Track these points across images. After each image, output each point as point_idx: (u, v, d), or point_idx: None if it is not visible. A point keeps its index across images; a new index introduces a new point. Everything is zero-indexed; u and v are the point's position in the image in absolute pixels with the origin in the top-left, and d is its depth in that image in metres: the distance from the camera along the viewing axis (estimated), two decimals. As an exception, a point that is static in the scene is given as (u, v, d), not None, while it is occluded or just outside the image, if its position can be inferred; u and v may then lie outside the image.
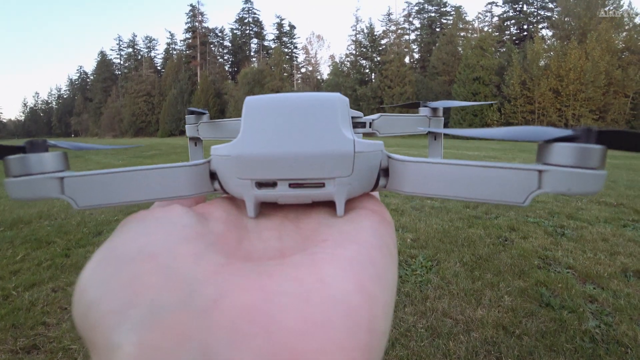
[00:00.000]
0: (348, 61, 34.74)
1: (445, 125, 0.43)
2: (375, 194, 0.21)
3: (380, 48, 34.23)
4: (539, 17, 35.53)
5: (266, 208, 0.18)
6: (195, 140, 0.36)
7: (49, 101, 73.73)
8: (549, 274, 1.91)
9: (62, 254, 2.19)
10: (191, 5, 49.09)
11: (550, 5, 33.52)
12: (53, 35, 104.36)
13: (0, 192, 4.34)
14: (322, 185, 0.16)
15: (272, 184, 0.16)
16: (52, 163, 0.16)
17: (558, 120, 22.90)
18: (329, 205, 0.18)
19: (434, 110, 0.34)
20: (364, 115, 0.33)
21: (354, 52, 34.85)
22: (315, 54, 46.85)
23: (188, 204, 0.18)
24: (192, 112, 0.36)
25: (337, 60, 37.42)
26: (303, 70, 47.70)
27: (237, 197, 0.17)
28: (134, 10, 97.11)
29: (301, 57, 48.46)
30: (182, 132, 42.32)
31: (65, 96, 70.14)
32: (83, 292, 0.12)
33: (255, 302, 0.10)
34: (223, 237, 0.15)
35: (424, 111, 0.34)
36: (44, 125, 73.14)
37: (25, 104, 75.64)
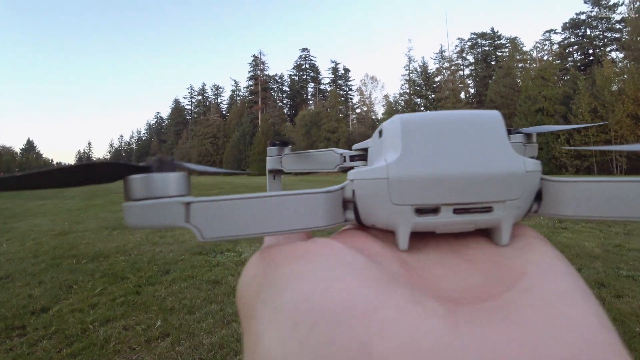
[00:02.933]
0: (402, 100, 35.00)
1: None
2: None
3: (435, 85, 34.12)
4: (605, 40, 33.15)
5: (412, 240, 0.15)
6: (275, 173, 0.34)
7: (130, 143, 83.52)
8: (658, 345, 1.60)
9: (134, 290, 2.33)
10: (254, 55, 53.89)
11: (619, 26, 31.22)
12: (138, 86, 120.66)
13: (87, 225, 4.86)
14: (490, 209, 0.14)
15: (434, 210, 0.14)
16: (178, 185, 0.14)
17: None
18: (479, 233, 0.16)
19: (528, 136, 0.31)
20: None
21: (408, 91, 35.10)
22: (370, 94, 47.91)
23: (301, 238, 0.16)
24: (274, 144, 0.34)
25: (391, 99, 37.97)
26: (358, 110, 48.83)
27: (381, 227, 0.15)
28: (205, 63, 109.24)
29: (356, 98, 49.83)
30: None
31: (143, 138, 79.04)
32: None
33: (517, 356, 0.09)
34: (416, 278, 0.13)
35: (515, 138, 0.31)
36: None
37: (111, 145, 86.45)
